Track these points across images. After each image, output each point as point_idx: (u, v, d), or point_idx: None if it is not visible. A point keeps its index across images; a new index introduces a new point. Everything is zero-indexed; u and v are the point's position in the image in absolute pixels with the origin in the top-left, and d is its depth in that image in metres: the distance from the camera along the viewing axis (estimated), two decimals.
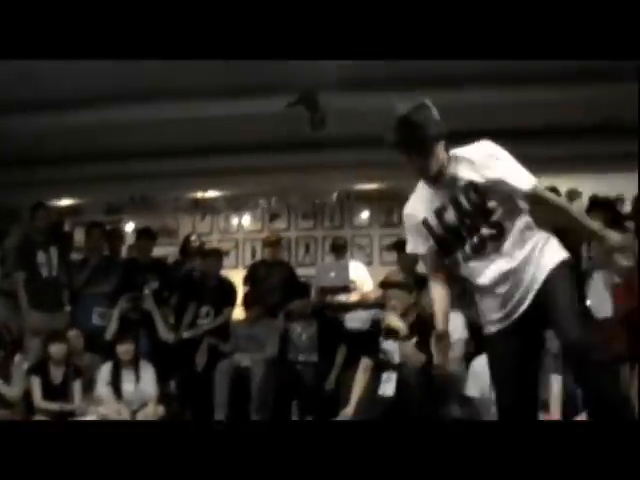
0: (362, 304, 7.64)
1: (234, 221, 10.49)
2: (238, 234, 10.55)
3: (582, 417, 5.61)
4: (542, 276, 3.45)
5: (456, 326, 6.59)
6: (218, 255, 8.32)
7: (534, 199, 3.48)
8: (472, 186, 3.47)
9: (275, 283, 7.98)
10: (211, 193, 10.13)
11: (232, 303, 7.77)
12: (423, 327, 6.05)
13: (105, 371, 6.79)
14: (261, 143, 8.06)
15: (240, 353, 7.27)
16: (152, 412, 6.66)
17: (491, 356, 3.73)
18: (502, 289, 3.50)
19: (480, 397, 6.23)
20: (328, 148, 8.01)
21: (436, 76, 6.39)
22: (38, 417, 6.50)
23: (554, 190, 7.58)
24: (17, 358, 6.88)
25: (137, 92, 6.90)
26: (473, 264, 3.55)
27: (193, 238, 9.11)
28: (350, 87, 6.73)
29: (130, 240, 9.68)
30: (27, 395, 6.73)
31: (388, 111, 3.30)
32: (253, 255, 10.18)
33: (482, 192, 3.46)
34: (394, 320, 6.09)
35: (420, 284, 6.76)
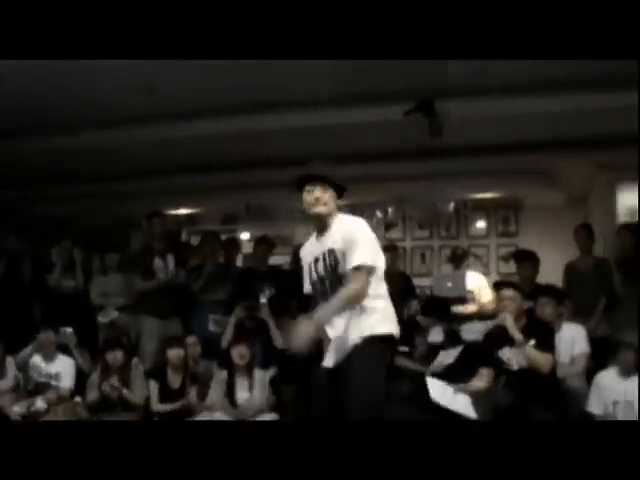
0: (479, 315, 7.47)
1: None
2: None
3: None
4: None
5: (578, 340, 6.42)
6: None
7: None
8: (334, 253, 4.17)
9: (391, 292, 7.90)
10: None
11: None
12: (536, 331, 5.96)
13: (220, 378, 6.83)
14: (377, 152, 8.01)
15: None
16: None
17: None
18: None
19: (603, 414, 6.00)
20: (445, 156, 7.91)
21: (557, 80, 6.24)
22: (155, 419, 6.63)
23: None
24: (134, 361, 7.03)
25: (252, 103, 6.93)
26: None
27: None
28: (468, 93, 6.63)
29: (246, 249, 9.80)
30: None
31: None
32: None
33: (338, 261, 4.15)
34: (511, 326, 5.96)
35: (539, 294, 6.62)
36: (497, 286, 6.54)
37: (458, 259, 8.18)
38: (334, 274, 4.18)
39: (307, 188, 4.24)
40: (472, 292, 7.71)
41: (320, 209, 4.23)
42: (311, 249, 4.36)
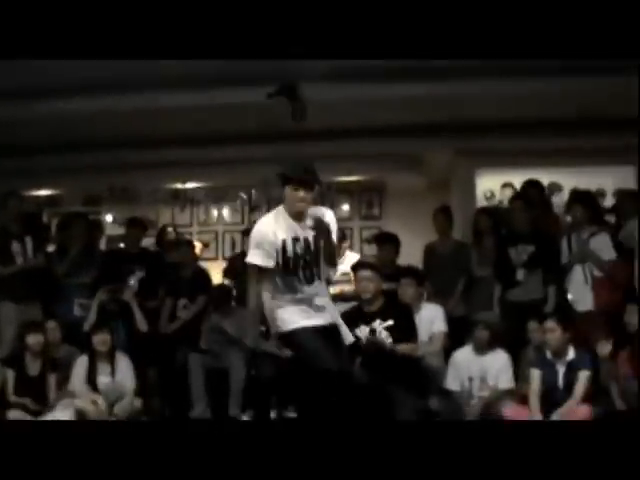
0: (342, 296, 7.55)
1: (214, 213, 10.43)
2: (218, 226, 10.49)
3: (560, 411, 5.66)
4: None
5: (436, 319, 6.58)
6: (189, 245, 8.26)
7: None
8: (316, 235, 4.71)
9: None
10: (191, 184, 10.07)
11: (206, 293, 7.69)
12: (394, 312, 6.06)
13: (81, 363, 6.70)
14: (241, 134, 8.01)
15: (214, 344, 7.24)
16: (129, 405, 6.59)
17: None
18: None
19: (460, 390, 6.22)
20: (309, 139, 7.97)
21: (418, 67, 6.36)
22: (11, 411, 6.42)
23: (534, 184, 7.66)
24: None
25: (115, 81, 6.80)
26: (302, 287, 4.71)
27: (169, 229, 9.05)
28: (331, 78, 6.69)
29: (110, 231, 9.64)
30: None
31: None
32: (233, 247, 10.10)
33: (318, 242, 4.71)
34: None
35: (399, 276, 6.77)
36: (355, 268, 6.63)
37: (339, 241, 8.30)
38: (316, 254, 4.72)
39: (294, 187, 4.61)
40: (348, 274, 7.80)
41: (303, 207, 4.65)
42: (285, 229, 4.68)
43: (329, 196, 10.18)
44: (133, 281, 7.66)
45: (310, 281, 4.73)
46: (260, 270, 4.68)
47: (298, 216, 4.70)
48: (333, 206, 10.23)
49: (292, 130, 7.55)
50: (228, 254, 9.84)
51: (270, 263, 4.64)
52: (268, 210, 9.83)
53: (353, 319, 6.14)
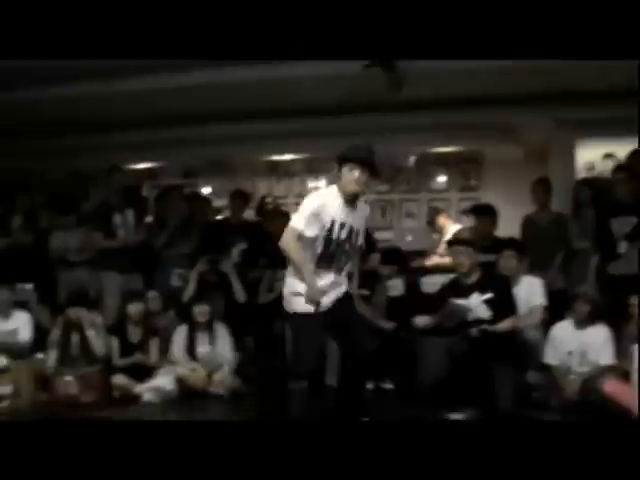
0: (440, 268, 7.52)
1: (310, 184, 10.45)
2: None
3: None
4: None
5: (535, 292, 6.48)
6: (285, 217, 8.29)
7: None
8: (359, 231, 4.91)
9: None
10: (288, 156, 10.12)
11: None
12: (492, 285, 6.00)
13: (180, 333, 6.86)
14: (339, 105, 7.98)
15: None
16: (227, 375, 6.71)
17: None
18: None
19: (559, 365, 6.13)
20: (406, 110, 7.91)
21: None
22: (117, 375, 6.64)
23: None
24: (95, 317, 6.97)
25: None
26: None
27: (268, 199, 9.09)
28: None
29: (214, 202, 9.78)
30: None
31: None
32: None
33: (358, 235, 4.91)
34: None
35: (499, 247, 6.69)
36: (450, 243, 6.59)
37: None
38: (354, 243, 4.87)
39: (350, 167, 4.71)
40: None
41: (356, 189, 4.76)
42: (336, 210, 4.75)
43: (425, 168, 10.13)
44: (235, 252, 7.74)
45: (338, 271, 4.86)
46: (299, 237, 4.73)
47: (350, 198, 4.78)
48: (430, 177, 10.25)
49: (389, 101, 7.50)
50: None
51: (310, 233, 4.70)
52: None
53: (452, 291, 6.13)
